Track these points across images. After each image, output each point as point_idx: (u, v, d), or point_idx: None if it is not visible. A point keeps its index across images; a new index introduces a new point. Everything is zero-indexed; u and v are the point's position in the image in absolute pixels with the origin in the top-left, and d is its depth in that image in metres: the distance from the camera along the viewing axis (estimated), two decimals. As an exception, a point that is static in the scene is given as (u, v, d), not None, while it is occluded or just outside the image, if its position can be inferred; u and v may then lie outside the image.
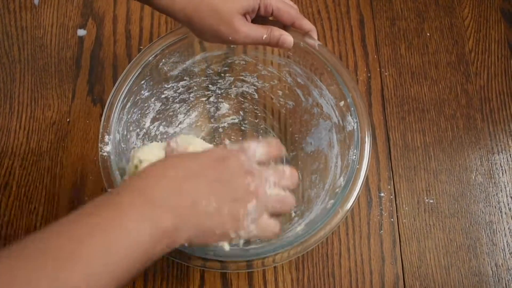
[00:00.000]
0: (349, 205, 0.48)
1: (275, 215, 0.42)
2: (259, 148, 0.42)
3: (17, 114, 0.67)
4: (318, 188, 0.56)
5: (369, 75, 0.70)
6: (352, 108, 0.52)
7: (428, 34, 0.73)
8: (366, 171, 0.49)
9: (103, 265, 0.32)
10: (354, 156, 0.50)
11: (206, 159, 0.40)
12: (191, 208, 0.37)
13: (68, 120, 0.67)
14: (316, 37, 0.53)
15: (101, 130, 0.50)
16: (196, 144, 0.48)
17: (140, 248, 0.34)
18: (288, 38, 0.49)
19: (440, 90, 0.70)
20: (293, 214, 0.56)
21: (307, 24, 0.51)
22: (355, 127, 0.52)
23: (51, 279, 0.29)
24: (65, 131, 0.66)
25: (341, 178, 0.52)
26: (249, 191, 0.40)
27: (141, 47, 0.71)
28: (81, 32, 0.72)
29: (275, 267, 0.59)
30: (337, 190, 0.51)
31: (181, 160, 0.40)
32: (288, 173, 0.43)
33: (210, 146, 0.49)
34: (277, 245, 0.47)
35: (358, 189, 0.49)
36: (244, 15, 0.47)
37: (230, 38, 0.46)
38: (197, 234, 0.38)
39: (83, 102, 0.68)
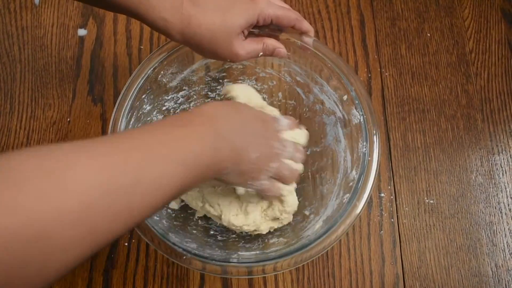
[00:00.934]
0: (365, 198, 0.49)
1: (281, 181, 0.49)
2: (285, 120, 0.51)
3: (18, 114, 0.67)
4: (330, 183, 0.56)
5: (369, 75, 0.70)
6: (357, 101, 0.52)
7: (429, 34, 0.73)
8: (378, 163, 0.50)
9: (172, 165, 0.35)
10: (364, 149, 0.51)
11: (257, 114, 0.48)
12: (243, 150, 0.43)
13: (68, 119, 0.67)
14: (312, 36, 0.53)
15: None
16: (253, 98, 0.58)
17: (201, 165, 0.38)
18: (282, 51, 0.51)
19: (441, 91, 0.70)
20: (308, 213, 0.56)
21: (306, 26, 0.52)
22: (361, 120, 0.52)
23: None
24: (65, 131, 0.66)
25: (354, 172, 0.52)
26: (275, 153, 0.47)
27: (142, 47, 0.71)
28: (81, 32, 0.72)
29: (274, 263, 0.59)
30: (350, 183, 0.51)
31: (243, 108, 0.47)
32: (301, 148, 0.51)
33: (265, 103, 0.60)
34: (301, 243, 0.48)
35: (372, 182, 0.49)
36: (242, 31, 0.48)
37: (228, 60, 0.49)
38: (234, 174, 0.43)
39: (83, 101, 0.68)
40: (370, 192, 0.49)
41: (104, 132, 0.66)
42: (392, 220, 0.62)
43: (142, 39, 0.72)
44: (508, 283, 0.60)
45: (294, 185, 0.52)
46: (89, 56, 0.70)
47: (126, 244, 0.60)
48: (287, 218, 0.55)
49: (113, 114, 0.51)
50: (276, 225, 0.55)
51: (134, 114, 0.53)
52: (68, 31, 0.72)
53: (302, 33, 0.53)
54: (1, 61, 0.70)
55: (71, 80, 0.69)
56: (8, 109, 0.67)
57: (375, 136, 0.51)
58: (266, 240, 0.55)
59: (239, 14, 0.46)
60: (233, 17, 0.46)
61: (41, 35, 0.72)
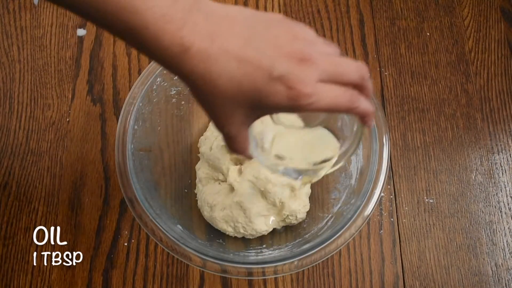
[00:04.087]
0: (373, 202, 0.48)
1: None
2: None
3: (17, 114, 0.67)
4: (339, 186, 0.57)
5: (369, 75, 0.70)
6: None
7: (428, 33, 0.73)
8: (387, 167, 0.49)
9: None
10: (375, 149, 0.50)
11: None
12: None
13: (67, 119, 0.67)
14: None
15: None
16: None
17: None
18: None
19: (440, 90, 0.70)
20: (316, 215, 0.56)
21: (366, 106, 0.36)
22: None
23: None
24: (64, 131, 0.66)
25: (363, 174, 0.51)
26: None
27: (141, 47, 0.71)
28: (80, 32, 0.72)
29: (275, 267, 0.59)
30: (359, 187, 0.51)
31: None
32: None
33: None
34: (305, 247, 0.48)
35: (381, 186, 0.48)
36: None
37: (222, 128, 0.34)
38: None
39: (82, 101, 0.68)
40: (378, 198, 0.48)
41: (103, 131, 0.66)
42: (392, 219, 0.62)
43: (141, 39, 0.72)
44: (508, 282, 0.60)
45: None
46: (88, 56, 0.70)
47: (126, 244, 0.60)
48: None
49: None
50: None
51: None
52: (67, 31, 0.72)
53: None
54: (0, 61, 0.70)
55: (70, 80, 0.69)
56: (7, 109, 0.67)
57: (384, 137, 0.50)
58: (268, 241, 0.55)
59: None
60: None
61: (40, 35, 0.72)
